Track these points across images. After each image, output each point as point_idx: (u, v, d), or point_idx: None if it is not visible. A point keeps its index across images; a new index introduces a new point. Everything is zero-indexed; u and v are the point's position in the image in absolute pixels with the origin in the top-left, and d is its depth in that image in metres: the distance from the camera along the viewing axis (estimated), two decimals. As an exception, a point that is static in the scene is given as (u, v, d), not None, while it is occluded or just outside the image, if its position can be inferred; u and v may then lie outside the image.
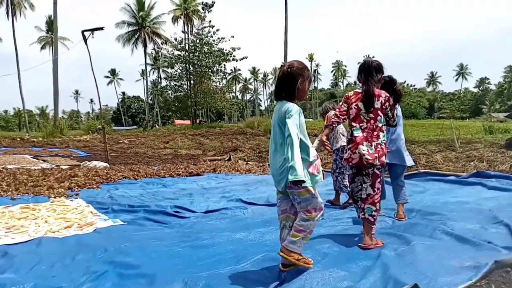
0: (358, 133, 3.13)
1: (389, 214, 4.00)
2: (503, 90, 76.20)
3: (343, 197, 4.96)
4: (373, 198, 3.09)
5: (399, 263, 2.52)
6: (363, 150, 3.04)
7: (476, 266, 2.43)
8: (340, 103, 3.39)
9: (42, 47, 52.56)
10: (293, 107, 2.40)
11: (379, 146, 3.08)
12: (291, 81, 2.45)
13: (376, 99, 3.13)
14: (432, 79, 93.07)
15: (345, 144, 4.07)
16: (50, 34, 47.62)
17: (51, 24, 43.66)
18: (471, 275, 2.31)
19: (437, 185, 5.89)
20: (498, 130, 18.53)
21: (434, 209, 4.08)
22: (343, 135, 4.83)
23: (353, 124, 3.20)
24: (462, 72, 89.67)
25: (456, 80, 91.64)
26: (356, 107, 3.20)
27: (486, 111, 62.75)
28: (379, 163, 3.04)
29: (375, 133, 3.09)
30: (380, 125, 3.12)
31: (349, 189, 3.82)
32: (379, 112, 3.12)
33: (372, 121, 3.10)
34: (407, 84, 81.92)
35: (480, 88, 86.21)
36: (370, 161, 3.01)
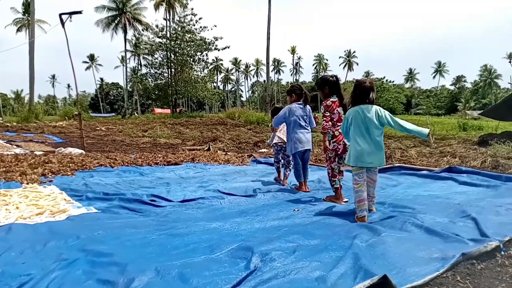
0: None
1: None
2: (478, 89, 78.18)
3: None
4: (342, 172, 4.57)
5: (370, 254, 2.58)
6: (347, 142, 4.08)
7: (443, 258, 2.51)
8: (324, 111, 4.45)
9: (18, 30, 50.56)
10: None
11: None
12: (371, 92, 3.70)
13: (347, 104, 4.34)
14: (410, 75, 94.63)
15: (277, 141, 5.81)
16: (27, 17, 45.88)
17: (27, 6, 41.98)
18: (438, 266, 2.39)
19: (410, 179, 6.02)
20: (472, 127, 19.04)
21: (405, 202, 4.17)
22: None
23: (338, 124, 4.36)
24: (439, 69, 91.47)
25: (434, 77, 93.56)
26: (337, 111, 4.41)
27: (461, 108, 64.24)
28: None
29: None
30: None
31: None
32: None
33: None
34: (386, 80, 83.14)
35: (456, 86, 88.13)
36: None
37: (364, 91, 3.70)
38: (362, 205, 3.64)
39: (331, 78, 4.49)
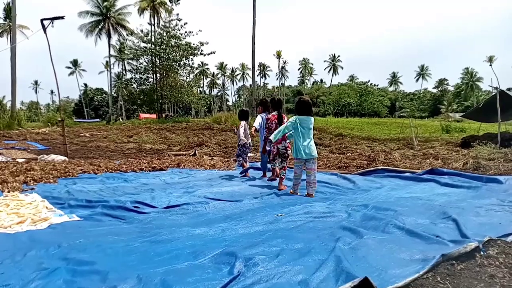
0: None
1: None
2: (460, 91, 79.57)
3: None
4: (285, 167, 5.97)
5: (352, 257, 2.60)
6: (281, 146, 5.86)
7: (424, 259, 2.54)
8: (265, 123, 6.34)
9: (0, 35, 49.73)
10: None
11: (288, 143, 5.90)
12: (311, 106, 5.28)
13: (284, 119, 5.94)
14: (394, 79, 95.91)
15: (242, 142, 7.40)
16: (8, 22, 45.09)
17: (9, 11, 41.29)
18: (419, 267, 2.41)
19: (393, 181, 6.09)
20: (454, 129, 19.40)
21: (388, 205, 4.22)
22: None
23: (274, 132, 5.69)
24: (422, 73, 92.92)
25: (417, 80, 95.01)
26: (275, 122, 6.05)
27: (444, 111, 65.22)
28: (289, 151, 5.83)
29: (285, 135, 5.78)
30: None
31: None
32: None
33: None
34: (371, 84, 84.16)
35: (439, 89, 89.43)
36: (286, 152, 5.92)
37: (307, 106, 5.24)
38: (297, 185, 5.36)
39: (272, 99, 6.34)
